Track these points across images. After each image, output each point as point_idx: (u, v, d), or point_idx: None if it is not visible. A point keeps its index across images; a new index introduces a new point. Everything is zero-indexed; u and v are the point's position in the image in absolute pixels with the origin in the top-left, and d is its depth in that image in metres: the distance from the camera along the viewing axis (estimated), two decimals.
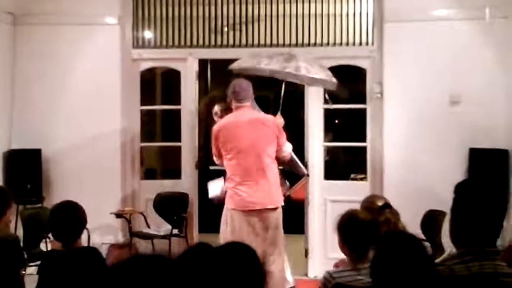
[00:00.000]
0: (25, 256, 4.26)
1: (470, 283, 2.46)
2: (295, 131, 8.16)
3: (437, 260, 2.78)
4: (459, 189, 2.66)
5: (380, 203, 3.97)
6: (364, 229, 3.48)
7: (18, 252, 3.93)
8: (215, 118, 6.89)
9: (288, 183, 6.64)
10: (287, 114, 6.63)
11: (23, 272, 4.75)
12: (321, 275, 3.65)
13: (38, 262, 4.16)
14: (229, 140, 5.90)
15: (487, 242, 2.56)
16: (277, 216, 5.93)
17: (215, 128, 6.08)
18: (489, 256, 2.54)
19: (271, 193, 5.90)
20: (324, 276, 3.54)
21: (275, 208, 5.90)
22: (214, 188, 6.75)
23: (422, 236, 6.29)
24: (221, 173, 6.53)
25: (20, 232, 6.80)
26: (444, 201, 3.25)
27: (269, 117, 6.22)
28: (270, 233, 5.87)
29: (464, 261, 2.51)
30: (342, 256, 3.66)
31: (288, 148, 6.12)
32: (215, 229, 6.28)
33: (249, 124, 5.92)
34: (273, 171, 5.97)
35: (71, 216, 3.98)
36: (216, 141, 5.96)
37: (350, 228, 3.52)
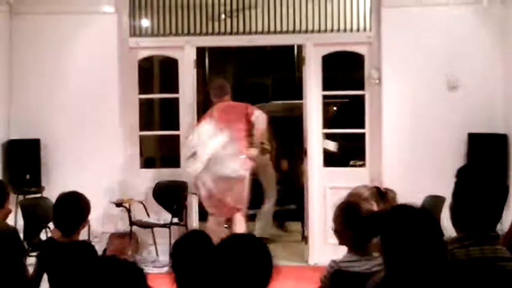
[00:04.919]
0: (26, 246, 4.25)
1: (470, 268, 2.46)
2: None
3: None
4: (461, 173, 2.67)
5: (367, 193, 3.91)
6: (367, 220, 3.43)
7: (18, 243, 3.93)
8: None
9: None
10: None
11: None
12: (321, 262, 3.64)
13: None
14: None
15: (487, 227, 2.56)
16: None
17: None
18: (488, 241, 2.55)
19: None
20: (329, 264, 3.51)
21: None
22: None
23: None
24: None
25: (20, 222, 6.80)
26: (443, 187, 3.25)
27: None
28: None
29: (464, 246, 2.52)
30: None
31: None
32: None
33: None
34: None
35: (75, 206, 4.00)
36: None
37: (352, 217, 3.47)
